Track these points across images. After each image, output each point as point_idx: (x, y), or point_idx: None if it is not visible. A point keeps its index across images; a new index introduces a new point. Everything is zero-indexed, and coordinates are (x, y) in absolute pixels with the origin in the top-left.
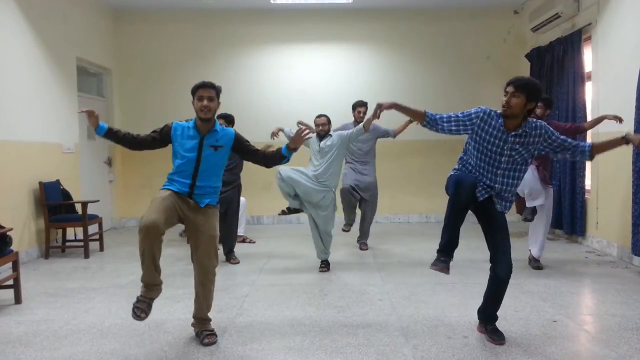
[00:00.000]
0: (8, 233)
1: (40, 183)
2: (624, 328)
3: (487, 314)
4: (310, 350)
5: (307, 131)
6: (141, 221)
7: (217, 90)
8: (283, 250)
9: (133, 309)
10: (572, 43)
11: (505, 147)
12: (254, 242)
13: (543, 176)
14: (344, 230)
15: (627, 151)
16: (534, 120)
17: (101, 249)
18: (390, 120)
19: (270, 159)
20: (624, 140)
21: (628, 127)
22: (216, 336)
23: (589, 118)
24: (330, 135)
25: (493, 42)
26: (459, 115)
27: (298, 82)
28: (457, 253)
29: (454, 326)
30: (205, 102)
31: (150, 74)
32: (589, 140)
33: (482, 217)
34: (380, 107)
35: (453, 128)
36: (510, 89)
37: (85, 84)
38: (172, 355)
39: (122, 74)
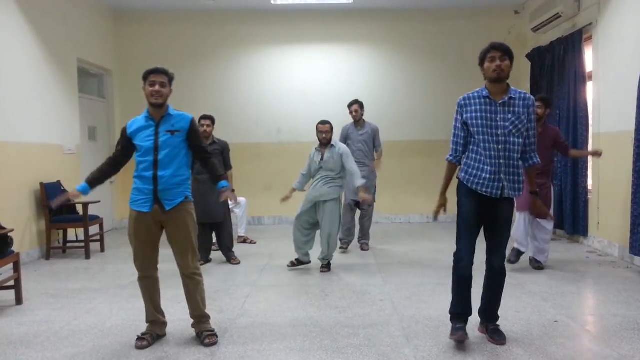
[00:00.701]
0: (9, 234)
1: (41, 184)
2: (625, 328)
3: (488, 313)
4: (312, 350)
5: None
6: (135, 264)
7: (170, 77)
8: (284, 250)
9: (137, 339)
10: (572, 43)
11: (498, 119)
12: (254, 243)
13: (539, 214)
14: (342, 249)
15: (628, 152)
16: (521, 91)
17: (102, 249)
18: (390, 123)
19: (209, 172)
20: (533, 193)
21: (629, 127)
22: (217, 336)
23: (590, 118)
24: (333, 146)
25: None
26: (454, 124)
27: (298, 82)
28: None
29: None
30: (157, 87)
31: None
32: (590, 140)
33: (488, 215)
34: (437, 213)
35: (462, 134)
36: (496, 53)
37: (85, 85)
38: (173, 356)
39: (123, 75)
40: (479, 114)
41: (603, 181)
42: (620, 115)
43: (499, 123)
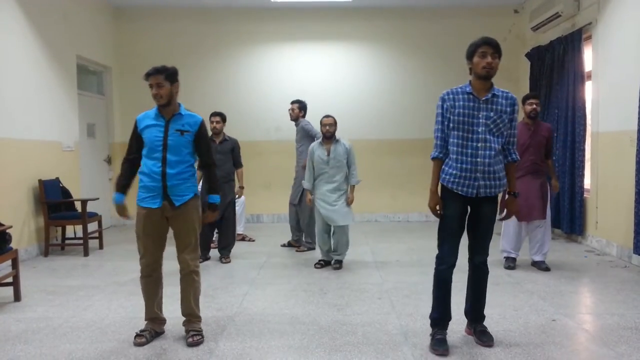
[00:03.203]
0: (7, 231)
1: (40, 181)
2: (622, 327)
3: (474, 314)
4: (310, 348)
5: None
6: (140, 262)
7: (167, 74)
8: (282, 248)
9: (135, 336)
10: (572, 42)
11: (481, 116)
12: (253, 241)
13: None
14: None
15: (627, 151)
16: (505, 90)
17: (100, 246)
18: (389, 121)
19: (208, 180)
20: (509, 194)
21: (628, 126)
22: (202, 337)
23: (589, 118)
24: (338, 141)
25: None
26: (437, 119)
27: (298, 80)
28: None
29: (453, 325)
30: (154, 90)
31: None
32: (588, 140)
33: (470, 215)
34: (438, 211)
35: (445, 128)
36: (488, 49)
37: (85, 82)
38: (171, 353)
39: (122, 72)
40: (460, 110)
41: (602, 180)
42: (620, 115)
43: (480, 120)
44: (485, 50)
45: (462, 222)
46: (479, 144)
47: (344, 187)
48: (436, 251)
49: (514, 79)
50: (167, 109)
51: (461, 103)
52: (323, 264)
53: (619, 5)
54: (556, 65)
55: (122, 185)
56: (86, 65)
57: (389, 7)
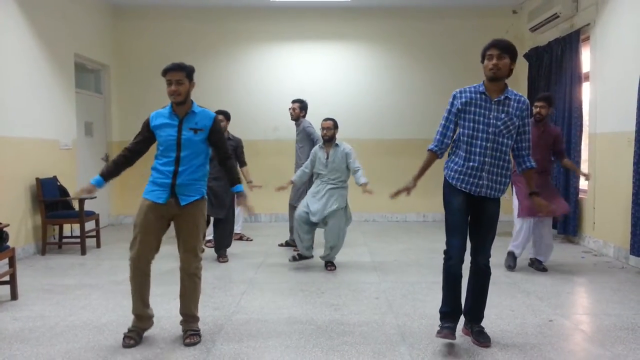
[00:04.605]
0: (4, 229)
1: (37, 179)
2: (619, 327)
3: (472, 314)
4: (307, 348)
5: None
6: (130, 251)
7: (188, 71)
8: (280, 248)
9: (123, 338)
10: (570, 43)
11: (491, 116)
12: (251, 240)
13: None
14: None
15: (624, 152)
16: (518, 93)
17: (98, 245)
18: (387, 121)
19: (227, 172)
20: (532, 194)
21: (626, 127)
22: (200, 337)
23: (585, 118)
24: (337, 145)
25: None
26: (445, 115)
27: (296, 80)
28: None
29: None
30: (173, 87)
31: (148, 70)
32: (585, 140)
33: (472, 214)
34: (398, 193)
35: (451, 126)
36: (494, 51)
37: (83, 81)
38: (168, 352)
39: (120, 71)
40: (472, 108)
41: (599, 181)
42: (618, 116)
43: (491, 121)
44: (492, 53)
45: (468, 217)
46: (488, 144)
47: (342, 191)
48: (434, 250)
49: (512, 80)
50: (182, 107)
51: (472, 102)
52: (297, 257)
53: (617, 6)
54: (554, 66)
55: (109, 173)
56: (84, 64)
57: (388, 7)
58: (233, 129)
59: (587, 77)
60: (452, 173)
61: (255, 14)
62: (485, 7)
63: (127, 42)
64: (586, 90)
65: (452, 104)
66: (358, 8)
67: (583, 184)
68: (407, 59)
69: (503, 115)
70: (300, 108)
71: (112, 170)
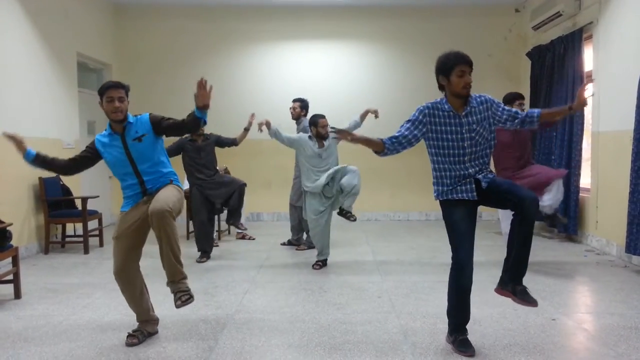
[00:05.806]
0: (8, 228)
1: (40, 178)
2: (622, 326)
3: (515, 272)
4: (309, 347)
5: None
6: (114, 266)
7: (126, 89)
8: (282, 247)
9: (127, 336)
10: (573, 42)
11: (464, 130)
12: (253, 239)
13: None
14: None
15: (627, 150)
16: (476, 95)
17: (101, 244)
18: (389, 120)
19: (189, 123)
20: (570, 108)
21: (628, 126)
22: (191, 296)
23: (588, 117)
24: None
25: (494, 40)
26: (411, 120)
27: (298, 79)
28: None
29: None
30: (116, 104)
31: (150, 70)
32: (587, 139)
33: (489, 199)
34: (344, 135)
35: (410, 135)
36: (466, 68)
37: (85, 80)
38: (170, 351)
39: (123, 70)
40: (446, 128)
41: (602, 180)
42: (620, 115)
43: (465, 135)
44: (464, 69)
45: (471, 223)
46: (466, 157)
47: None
48: (436, 249)
49: (514, 78)
50: (121, 124)
51: (443, 120)
52: (321, 264)
53: (620, 5)
54: (557, 65)
55: (43, 160)
56: (86, 63)
57: (390, 6)
58: (234, 129)
59: (589, 76)
60: (443, 188)
61: (257, 13)
62: (488, 5)
63: (129, 42)
64: (588, 89)
65: (418, 117)
66: (359, 7)
67: (584, 182)
68: (409, 57)
69: (475, 126)
70: (301, 107)
71: (48, 161)
